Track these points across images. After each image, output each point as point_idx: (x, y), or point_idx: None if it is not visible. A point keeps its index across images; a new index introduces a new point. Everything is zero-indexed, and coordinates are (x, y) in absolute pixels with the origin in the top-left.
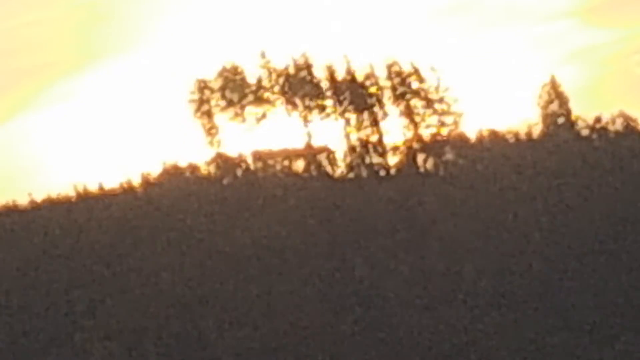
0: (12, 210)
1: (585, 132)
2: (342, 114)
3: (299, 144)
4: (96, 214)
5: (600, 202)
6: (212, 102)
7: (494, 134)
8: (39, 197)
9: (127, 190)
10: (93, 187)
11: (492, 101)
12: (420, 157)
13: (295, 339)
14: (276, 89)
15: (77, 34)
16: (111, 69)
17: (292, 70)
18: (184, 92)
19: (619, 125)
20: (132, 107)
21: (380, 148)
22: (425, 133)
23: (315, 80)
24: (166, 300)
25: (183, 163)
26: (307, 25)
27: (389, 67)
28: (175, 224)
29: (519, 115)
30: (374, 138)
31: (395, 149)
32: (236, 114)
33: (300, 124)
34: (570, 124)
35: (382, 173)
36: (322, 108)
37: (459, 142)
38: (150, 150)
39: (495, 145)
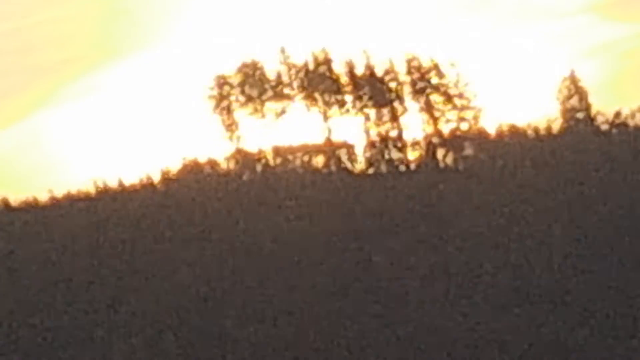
0: (32, 206)
1: (604, 127)
2: (361, 109)
3: (319, 140)
4: (116, 209)
5: (620, 196)
6: (232, 98)
7: (513, 129)
8: (59, 193)
9: (147, 186)
10: (113, 183)
11: (512, 96)
12: (440, 152)
13: (314, 335)
14: (296, 84)
15: (96, 31)
16: (131, 65)
17: (311, 66)
18: (203, 88)
19: (638, 119)
20: (151, 103)
21: (399, 143)
22: (445, 128)
23: (334, 76)
24: (186, 295)
25: (203, 159)
26: (327, 20)
27: (409, 62)
28: (195, 219)
29: (538, 111)
30: (393, 133)
31: (414, 144)
32: (256, 110)
33: (320, 119)
34: (590, 118)
35: (402, 168)
36: (342, 103)
37: (479, 137)
38: (170, 146)
39: (515, 140)
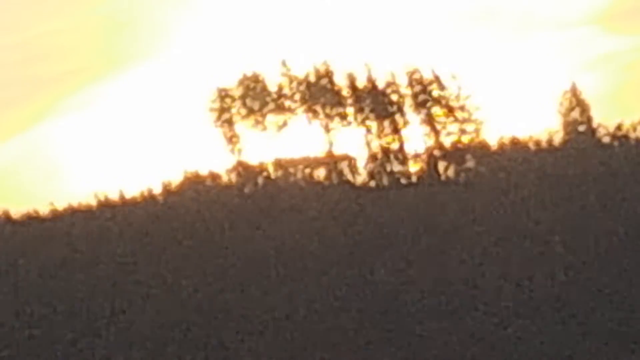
0: (33, 219)
1: (606, 140)
2: (363, 121)
3: (320, 152)
4: (117, 222)
5: (622, 209)
6: (233, 110)
7: (515, 142)
8: (60, 206)
9: (148, 199)
10: (114, 196)
11: (513, 109)
12: (441, 165)
13: (316, 347)
14: (297, 97)
15: (98, 42)
16: (132, 77)
17: (313, 78)
18: (204, 101)
19: None
20: (153, 116)
21: (401, 156)
22: (446, 141)
23: (336, 88)
24: (187, 308)
25: (204, 171)
26: (328, 33)
27: (410, 74)
28: (196, 232)
29: (540, 123)
30: (395, 146)
31: (416, 156)
32: (257, 122)
33: (321, 131)
34: (592, 131)
35: (403, 181)
36: (343, 116)
37: (480, 150)
38: (171, 158)
39: (516, 152)
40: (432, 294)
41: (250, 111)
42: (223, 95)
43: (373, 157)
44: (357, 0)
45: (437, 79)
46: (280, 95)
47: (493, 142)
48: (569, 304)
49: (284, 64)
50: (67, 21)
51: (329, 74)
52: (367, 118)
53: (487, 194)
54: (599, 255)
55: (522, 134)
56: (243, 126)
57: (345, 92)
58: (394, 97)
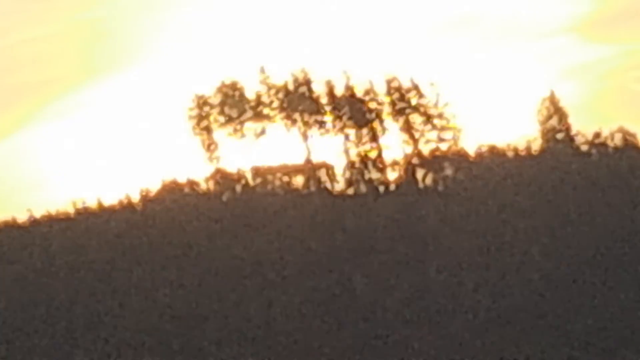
0: (11, 227)
1: (584, 148)
2: (341, 129)
3: (298, 160)
4: (95, 230)
5: (599, 217)
6: (211, 118)
7: (493, 150)
8: (38, 213)
9: (126, 206)
10: (92, 203)
11: (492, 117)
12: (419, 173)
13: (294, 355)
14: (275, 104)
15: (77, 51)
16: (111, 85)
17: (291, 86)
18: (183, 108)
19: (618, 140)
20: (131, 123)
21: (379, 163)
22: (425, 148)
23: (314, 96)
24: (165, 316)
25: (182, 179)
26: (306, 41)
27: (389, 82)
28: (174, 240)
29: (518, 131)
30: (373, 153)
31: (394, 164)
32: (235, 130)
33: (300, 139)
34: (570, 139)
35: (382, 188)
36: (322, 123)
37: (458, 158)
38: (150, 166)
39: (494, 160)
40: (410, 302)
41: (229, 119)
42: (201, 102)
43: (351, 165)
44: (335, 8)
45: (415, 87)
46: (258, 102)
47: (471, 150)
48: (546, 312)
49: (262, 71)
50: (47, 29)
51: (307, 82)
52: (345, 126)
53: (466, 201)
54: (577, 263)
55: (501, 142)
56: (221, 134)
57: (324, 99)
58: (373, 105)
